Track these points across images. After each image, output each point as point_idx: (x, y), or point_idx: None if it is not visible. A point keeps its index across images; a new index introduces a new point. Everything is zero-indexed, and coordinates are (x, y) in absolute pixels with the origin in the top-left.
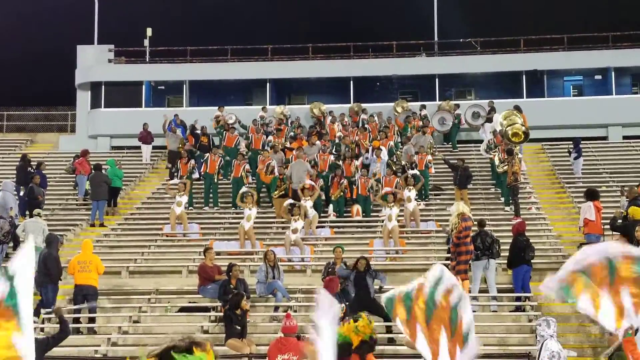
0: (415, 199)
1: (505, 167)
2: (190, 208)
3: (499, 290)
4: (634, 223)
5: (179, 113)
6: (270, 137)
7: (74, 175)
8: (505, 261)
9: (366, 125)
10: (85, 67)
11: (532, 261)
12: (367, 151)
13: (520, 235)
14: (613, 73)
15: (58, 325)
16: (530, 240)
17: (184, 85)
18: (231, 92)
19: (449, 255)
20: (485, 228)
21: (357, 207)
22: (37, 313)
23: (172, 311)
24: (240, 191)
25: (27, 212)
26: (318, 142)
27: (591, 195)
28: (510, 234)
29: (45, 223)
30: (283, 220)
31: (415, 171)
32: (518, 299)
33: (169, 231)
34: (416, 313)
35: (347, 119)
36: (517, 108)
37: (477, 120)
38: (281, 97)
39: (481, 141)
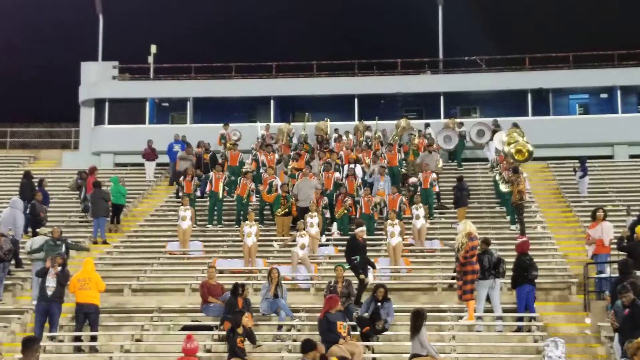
0: (424, 217)
1: (510, 188)
2: (194, 226)
3: (504, 311)
4: None
5: (183, 130)
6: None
7: (78, 192)
8: (510, 281)
9: (370, 144)
10: (89, 83)
11: (538, 281)
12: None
13: (524, 255)
14: (619, 91)
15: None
16: (536, 260)
17: (188, 102)
18: (235, 109)
19: (454, 274)
20: (490, 247)
21: None
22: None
23: (174, 330)
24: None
25: (30, 229)
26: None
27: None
28: (516, 253)
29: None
30: (284, 238)
31: (415, 179)
32: (520, 319)
33: (172, 248)
34: None
35: (352, 137)
36: (516, 126)
37: (482, 138)
38: (285, 114)
39: (486, 159)
